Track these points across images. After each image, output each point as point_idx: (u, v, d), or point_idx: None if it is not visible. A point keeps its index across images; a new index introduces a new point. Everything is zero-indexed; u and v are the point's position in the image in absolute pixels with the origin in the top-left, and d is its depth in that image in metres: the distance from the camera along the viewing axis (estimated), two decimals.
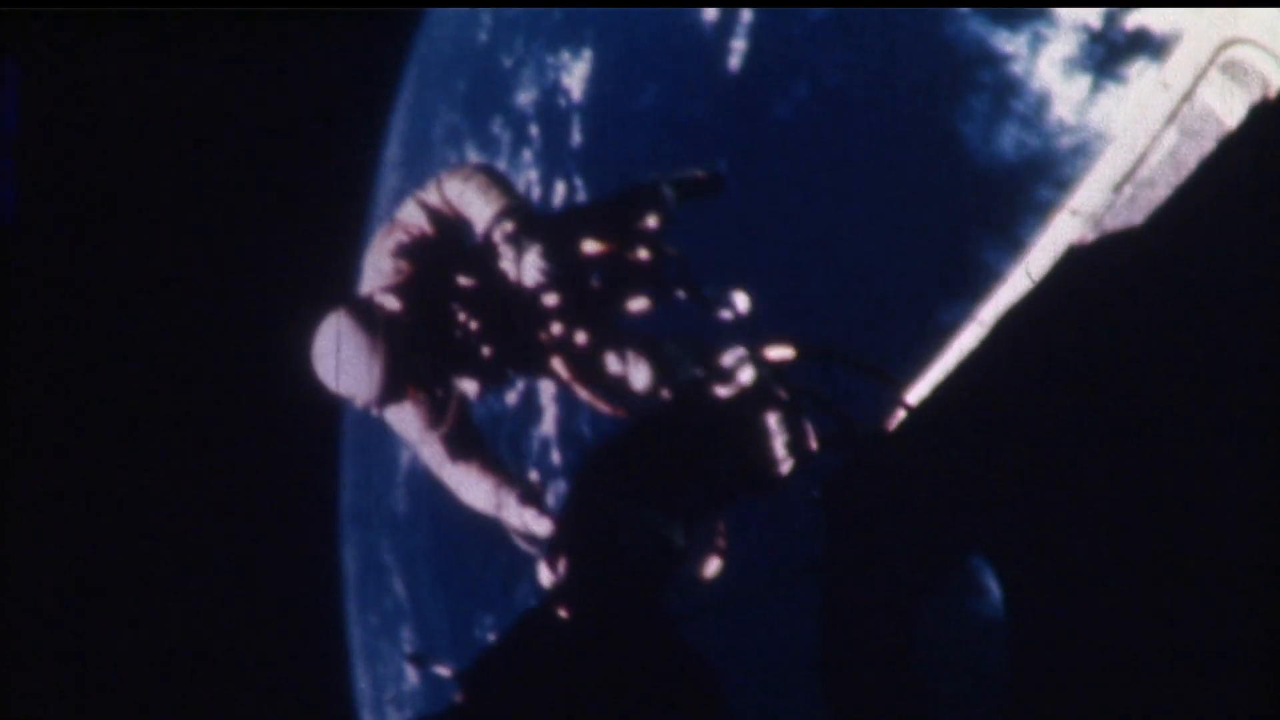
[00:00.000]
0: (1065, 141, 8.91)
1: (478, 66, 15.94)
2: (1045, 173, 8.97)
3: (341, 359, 2.95)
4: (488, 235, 3.13)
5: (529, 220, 3.13)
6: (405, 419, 3.40)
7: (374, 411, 3.33)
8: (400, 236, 3.20)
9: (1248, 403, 2.33)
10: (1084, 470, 2.78)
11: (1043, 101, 9.08)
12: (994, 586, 3.14)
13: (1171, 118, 2.77)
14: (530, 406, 13.75)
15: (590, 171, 13.32)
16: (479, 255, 3.22)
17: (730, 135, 11.46)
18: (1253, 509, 2.27)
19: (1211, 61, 2.66)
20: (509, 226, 3.10)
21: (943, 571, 3.56)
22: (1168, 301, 2.61)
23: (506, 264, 3.13)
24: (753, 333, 2.97)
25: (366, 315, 2.97)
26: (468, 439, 3.44)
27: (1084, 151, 8.74)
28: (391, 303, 3.02)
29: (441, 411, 3.31)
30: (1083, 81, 8.93)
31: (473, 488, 3.43)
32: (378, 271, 3.18)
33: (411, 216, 3.23)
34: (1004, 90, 9.27)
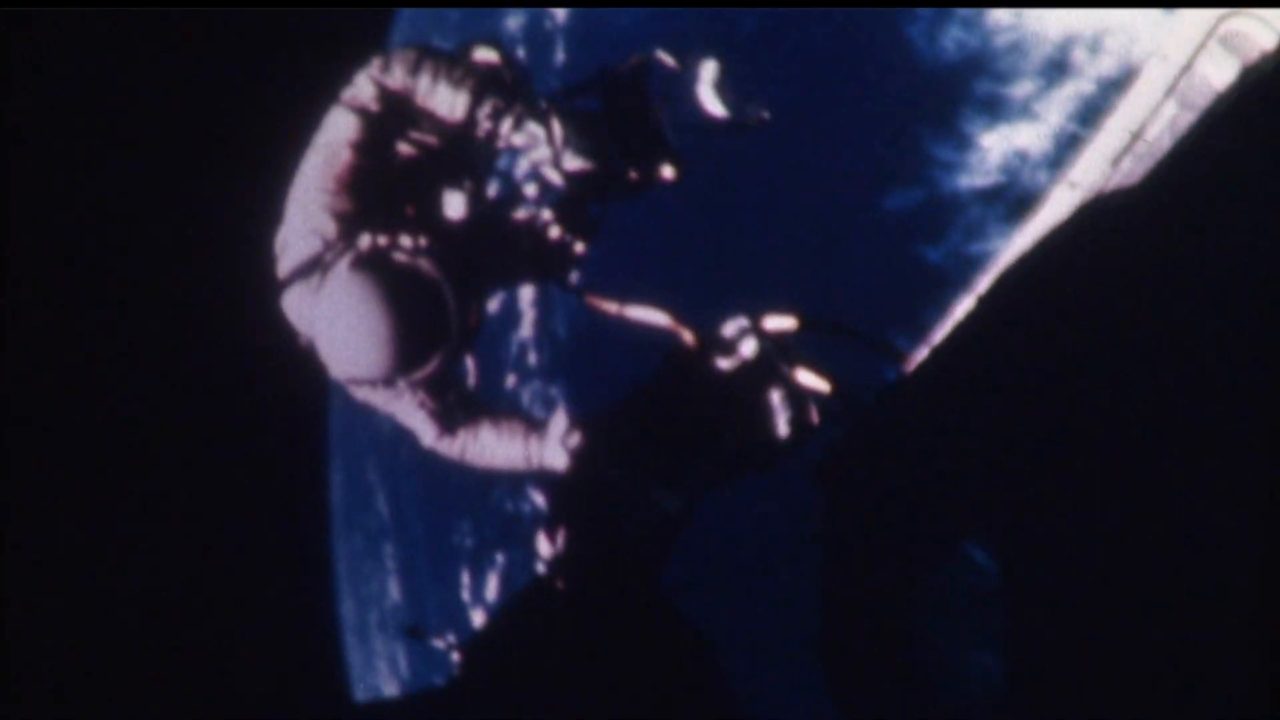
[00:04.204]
0: (1002, 40, 9.57)
1: None
2: (983, 68, 9.65)
3: (383, 331, 2.36)
4: (474, 121, 2.66)
5: (512, 90, 2.69)
6: (407, 408, 2.96)
7: (384, 398, 2.92)
8: (346, 158, 2.61)
9: (1246, 377, 2.30)
10: (1083, 447, 2.75)
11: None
12: (991, 565, 3.16)
13: (1170, 90, 2.68)
14: (510, 313, 14.36)
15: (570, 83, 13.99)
16: (465, 153, 2.84)
17: (702, 47, 12.04)
18: (1255, 492, 2.24)
19: (1210, 34, 2.57)
20: (499, 104, 2.63)
21: (941, 549, 3.50)
22: (1167, 275, 2.58)
23: (525, 143, 2.70)
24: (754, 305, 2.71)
25: (399, 269, 2.40)
26: (470, 406, 3.05)
27: (1018, 48, 9.47)
28: (407, 246, 2.47)
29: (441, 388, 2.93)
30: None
31: (500, 454, 3.07)
32: (327, 212, 2.59)
33: (346, 131, 2.64)
34: None
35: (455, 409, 3.01)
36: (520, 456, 3.05)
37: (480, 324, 2.66)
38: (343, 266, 2.39)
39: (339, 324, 2.40)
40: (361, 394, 2.92)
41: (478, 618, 16.81)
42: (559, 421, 2.98)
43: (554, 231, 2.82)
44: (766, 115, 2.75)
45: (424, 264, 2.40)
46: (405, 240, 2.45)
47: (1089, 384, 2.75)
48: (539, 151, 2.70)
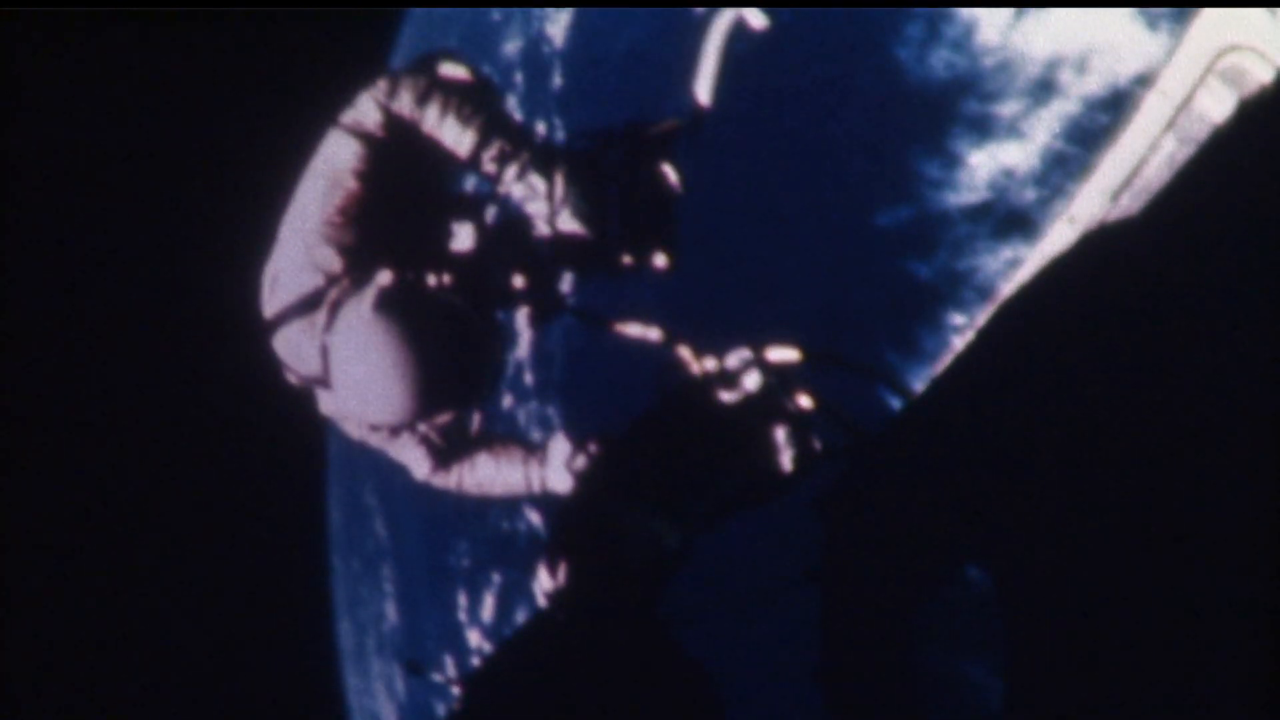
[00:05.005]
0: (989, 61, 9.75)
1: (468, 20, 16.68)
2: (971, 89, 9.83)
3: (421, 374, 2.18)
4: (478, 161, 2.53)
5: (520, 138, 2.54)
6: (404, 443, 2.88)
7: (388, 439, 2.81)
8: (350, 187, 2.43)
9: (1244, 409, 2.28)
10: (1081, 479, 2.72)
11: (971, 27, 9.94)
12: (991, 589, 3.09)
13: (1169, 125, 2.66)
14: (506, 334, 14.45)
15: (569, 111, 14.25)
16: (462, 193, 2.74)
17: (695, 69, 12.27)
18: (1250, 515, 2.21)
19: (1209, 69, 2.56)
20: (506, 148, 2.51)
21: (941, 577, 3.45)
22: (1163, 307, 2.57)
23: (523, 193, 2.55)
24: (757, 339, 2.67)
25: (432, 309, 2.24)
26: (467, 437, 2.96)
27: (1006, 69, 9.66)
28: (431, 282, 2.32)
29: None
30: (1006, 8, 9.88)
31: (499, 482, 2.98)
32: (329, 244, 2.40)
33: (349, 159, 2.45)
34: (936, 17, 10.16)
35: (454, 441, 2.92)
36: (520, 483, 2.96)
37: (505, 359, 2.58)
38: (367, 304, 2.21)
39: (368, 366, 2.20)
40: (356, 430, 2.79)
41: (474, 638, 16.82)
42: (561, 445, 2.92)
43: (519, 283, 2.62)
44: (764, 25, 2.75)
45: (456, 302, 2.27)
46: (429, 276, 2.31)
47: (1087, 415, 2.70)
48: (535, 205, 2.55)
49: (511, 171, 2.52)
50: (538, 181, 2.53)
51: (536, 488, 2.96)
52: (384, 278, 2.25)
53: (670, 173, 2.74)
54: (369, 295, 2.22)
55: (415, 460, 2.93)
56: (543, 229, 2.59)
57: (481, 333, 2.30)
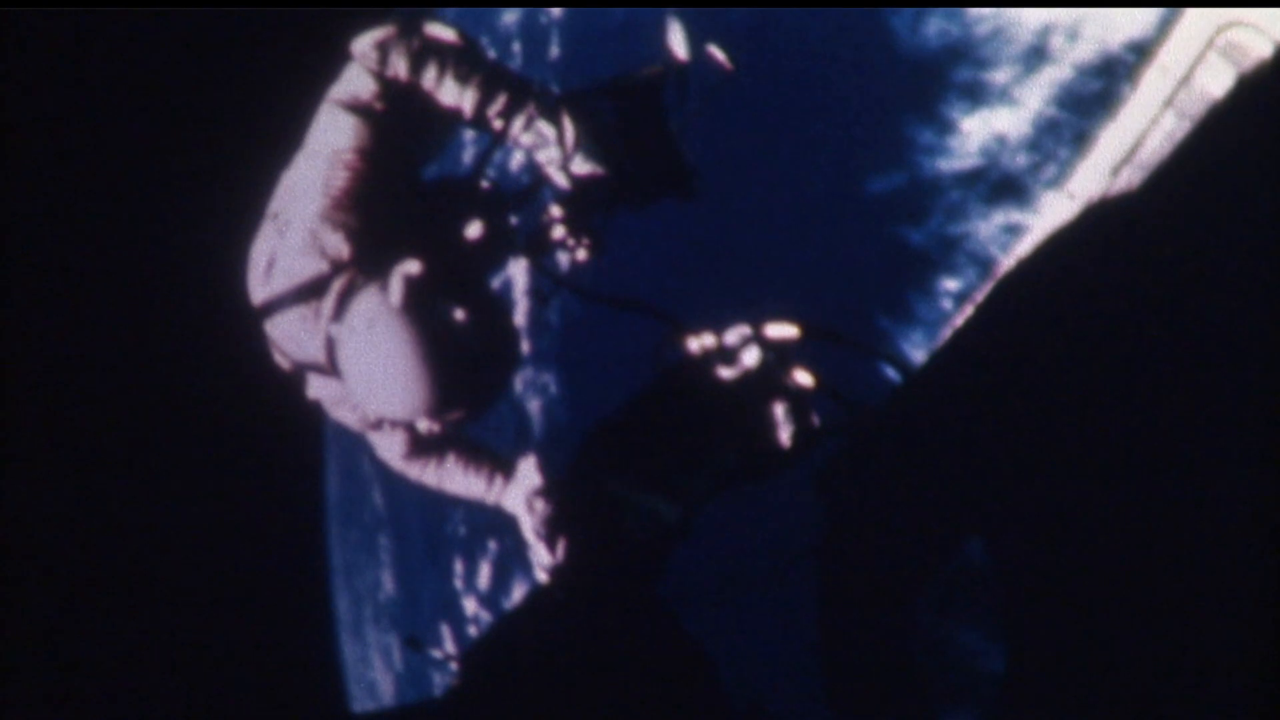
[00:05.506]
0: (982, 29, 9.78)
1: None
2: (964, 56, 9.86)
3: (445, 378, 2.11)
4: (484, 118, 2.46)
5: (521, 88, 2.48)
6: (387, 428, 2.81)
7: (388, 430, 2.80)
8: (354, 166, 2.29)
9: (1247, 382, 2.26)
10: (1083, 455, 2.71)
11: None
12: (993, 568, 3.06)
13: (1169, 101, 2.66)
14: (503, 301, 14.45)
15: (566, 78, 14.21)
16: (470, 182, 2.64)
17: (690, 37, 12.24)
18: (1254, 497, 2.19)
19: (1209, 44, 2.54)
20: (510, 100, 2.44)
21: (942, 555, 3.35)
22: (1165, 283, 2.56)
23: (534, 142, 2.49)
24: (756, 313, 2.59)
25: (459, 309, 2.13)
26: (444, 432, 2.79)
27: (999, 36, 9.66)
28: (454, 279, 2.21)
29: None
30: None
31: (459, 484, 2.98)
32: (335, 228, 2.26)
33: (350, 137, 2.31)
34: None
35: (439, 435, 2.87)
36: (480, 493, 2.96)
37: (520, 355, 2.50)
38: (392, 299, 2.12)
39: (389, 362, 2.12)
40: (347, 415, 2.74)
41: (470, 606, 16.92)
42: (529, 475, 2.92)
43: (558, 233, 2.62)
44: (728, 64, 2.70)
45: (479, 299, 2.18)
46: (448, 269, 2.21)
47: (1087, 389, 2.68)
48: (547, 152, 2.52)
49: (519, 122, 2.47)
50: (546, 128, 2.47)
51: (491, 502, 2.96)
52: (406, 269, 2.14)
53: (663, 108, 2.69)
54: (394, 289, 2.13)
55: (390, 445, 2.89)
56: (556, 176, 2.56)
57: (502, 332, 2.24)
